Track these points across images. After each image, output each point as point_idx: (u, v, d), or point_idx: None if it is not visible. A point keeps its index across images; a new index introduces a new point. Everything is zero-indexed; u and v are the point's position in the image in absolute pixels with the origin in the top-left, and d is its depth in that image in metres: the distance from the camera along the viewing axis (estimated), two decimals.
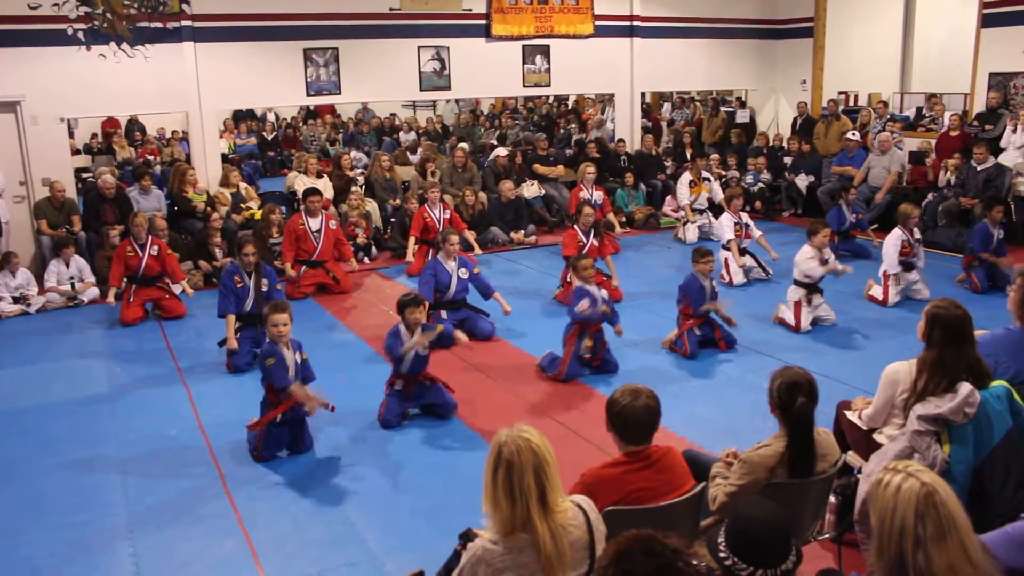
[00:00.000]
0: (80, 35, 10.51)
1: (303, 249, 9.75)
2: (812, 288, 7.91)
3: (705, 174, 12.64)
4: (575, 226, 9.15)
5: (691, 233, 12.05)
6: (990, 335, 4.17)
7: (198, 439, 5.96)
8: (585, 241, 8.95)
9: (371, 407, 6.29)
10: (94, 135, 17.71)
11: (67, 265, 9.67)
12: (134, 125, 18.05)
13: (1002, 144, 11.62)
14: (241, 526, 4.78)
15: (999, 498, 3.47)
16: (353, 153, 15.80)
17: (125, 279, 8.89)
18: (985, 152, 11.00)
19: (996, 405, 3.57)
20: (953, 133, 12.23)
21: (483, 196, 12.30)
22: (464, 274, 7.88)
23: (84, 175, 14.00)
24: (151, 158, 16.04)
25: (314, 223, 9.82)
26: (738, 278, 9.56)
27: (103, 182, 10.67)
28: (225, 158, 13.54)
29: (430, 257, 8.33)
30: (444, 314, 7.82)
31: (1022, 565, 2.62)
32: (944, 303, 3.82)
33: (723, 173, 13.49)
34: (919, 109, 14.28)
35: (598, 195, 11.37)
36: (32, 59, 10.31)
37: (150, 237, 8.98)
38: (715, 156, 13.78)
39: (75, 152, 15.19)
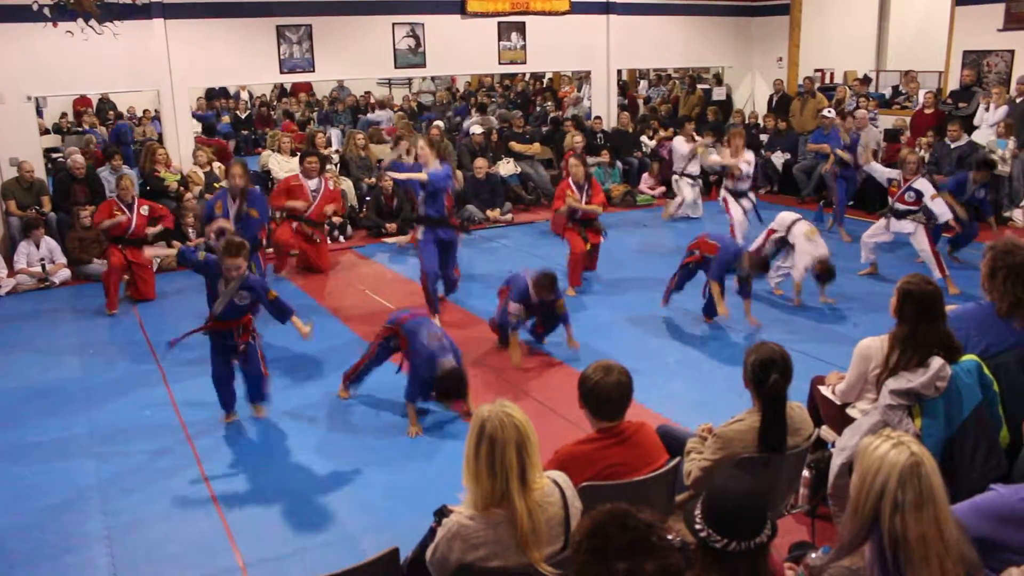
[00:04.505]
0: (46, 11, 10.28)
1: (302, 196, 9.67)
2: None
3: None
4: (569, 180, 9.04)
5: (687, 191, 11.89)
6: (961, 309, 4.20)
7: (172, 418, 5.93)
8: (579, 196, 8.79)
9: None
10: (63, 114, 17.42)
11: (37, 246, 9.54)
12: (105, 104, 17.77)
13: (975, 122, 11.71)
14: (216, 506, 4.77)
15: (968, 470, 3.51)
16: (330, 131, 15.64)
17: (113, 239, 8.68)
18: (959, 130, 11.08)
19: (966, 379, 3.60)
20: (927, 111, 12.31)
21: (459, 174, 12.23)
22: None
23: (54, 155, 13.78)
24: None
25: (312, 183, 9.72)
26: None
27: (73, 162, 10.51)
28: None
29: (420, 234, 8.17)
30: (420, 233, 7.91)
31: (989, 535, 2.66)
32: (915, 279, 3.83)
33: None
34: (895, 87, 14.34)
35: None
36: None
37: (136, 198, 8.81)
38: (689, 124, 13.61)
39: (44, 132, 14.93)
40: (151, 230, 8.91)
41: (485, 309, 8.00)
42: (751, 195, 9.74)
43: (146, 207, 8.82)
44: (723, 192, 9.73)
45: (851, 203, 11.34)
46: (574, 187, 8.81)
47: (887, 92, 14.46)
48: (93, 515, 4.71)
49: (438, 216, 7.87)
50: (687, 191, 11.87)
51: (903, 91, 13.99)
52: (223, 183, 11.09)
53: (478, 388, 6.24)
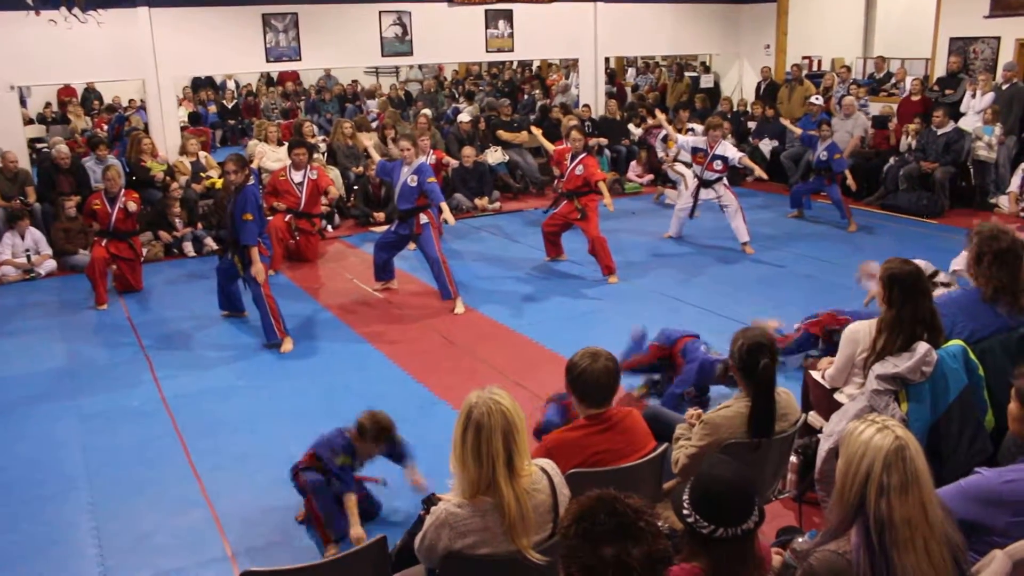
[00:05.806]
0: None
1: (288, 194, 9.68)
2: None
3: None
4: (568, 145, 8.92)
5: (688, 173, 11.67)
6: (947, 295, 4.23)
7: (160, 411, 5.90)
8: (568, 164, 8.71)
9: (336, 375, 6.28)
10: (47, 104, 17.28)
11: (22, 237, 9.47)
12: (91, 93, 17.63)
13: (962, 109, 11.74)
14: (205, 496, 4.75)
15: (954, 454, 3.53)
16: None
17: (96, 233, 8.61)
18: (944, 116, 11.10)
19: (952, 363, 3.62)
20: (914, 98, 12.34)
21: (451, 160, 12.18)
22: (413, 181, 7.78)
23: (38, 145, 13.69)
24: (107, 127, 15.68)
25: (297, 176, 9.69)
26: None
27: (58, 152, 10.43)
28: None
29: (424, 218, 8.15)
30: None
31: (974, 517, 2.68)
32: (895, 263, 3.84)
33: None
34: (871, 75, 14.38)
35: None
36: None
37: (123, 190, 8.67)
38: (683, 113, 13.64)
39: (28, 121, 14.82)
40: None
41: (471, 297, 8.01)
42: (719, 188, 9.59)
43: (132, 202, 8.62)
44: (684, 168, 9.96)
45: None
46: (568, 156, 8.74)
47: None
48: (81, 506, 4.69)
49: (402, 211, 8.00)
50: (688, 173, 11.73)
51: (877, 77, 14.03)
52: (211, 172, 11.06)
53: (468, 375, 6.25)
